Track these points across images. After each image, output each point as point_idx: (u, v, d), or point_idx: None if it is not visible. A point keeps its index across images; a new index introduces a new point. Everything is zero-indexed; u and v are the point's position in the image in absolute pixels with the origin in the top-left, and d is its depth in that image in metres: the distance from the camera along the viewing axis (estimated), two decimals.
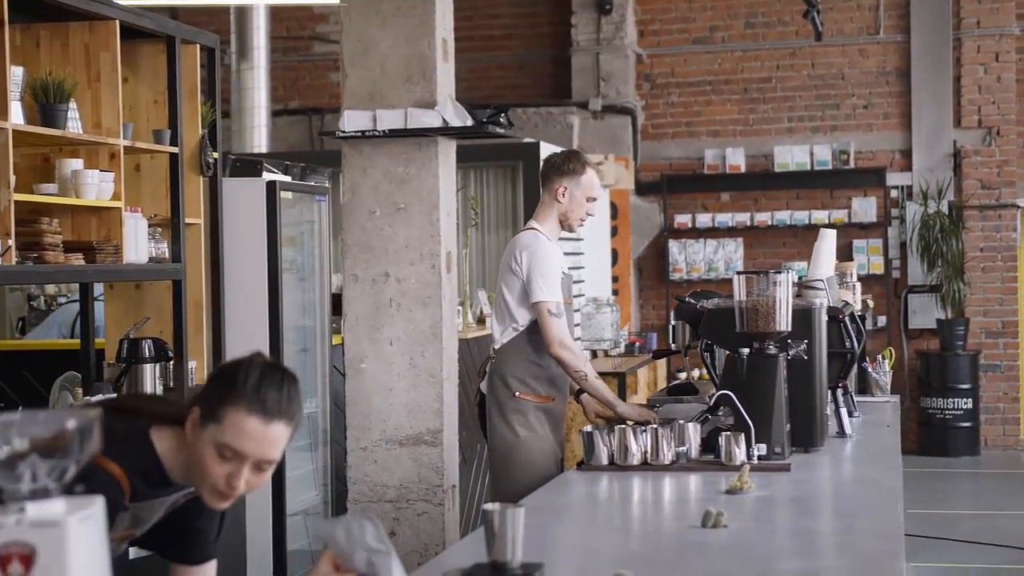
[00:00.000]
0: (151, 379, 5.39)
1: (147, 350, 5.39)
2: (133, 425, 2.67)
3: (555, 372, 5.15)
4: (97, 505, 1.79)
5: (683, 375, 10.97)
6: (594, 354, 10.14)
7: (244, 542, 5.74)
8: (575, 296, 9.92)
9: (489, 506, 2.75)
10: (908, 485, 9.69)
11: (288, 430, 2.58)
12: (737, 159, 12.69)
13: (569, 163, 5.24)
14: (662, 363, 11.02)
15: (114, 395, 5.10)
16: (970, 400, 12.08)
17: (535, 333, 5.10)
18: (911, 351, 12.53)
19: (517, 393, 5.11)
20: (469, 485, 7.34)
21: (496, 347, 5.23)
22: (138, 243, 5.26)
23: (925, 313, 12.41)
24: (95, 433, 1.81)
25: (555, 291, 5.05)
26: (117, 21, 5.17)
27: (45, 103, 4.79)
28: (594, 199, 5.26)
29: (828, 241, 5.48)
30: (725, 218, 12.68)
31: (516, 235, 5.32)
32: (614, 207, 12.26)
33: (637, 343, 10.77)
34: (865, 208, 12.47)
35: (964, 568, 8.04)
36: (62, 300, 8.51)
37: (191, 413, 2.59)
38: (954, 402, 12.06)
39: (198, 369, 5.82)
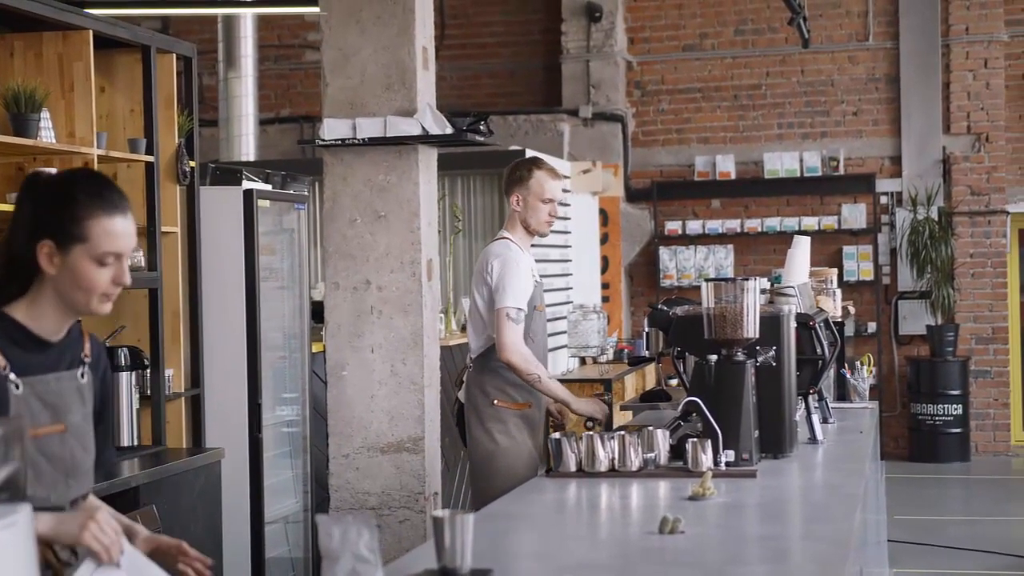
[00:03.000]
0: (127, 388, 5.40)
1: (123, 358, 5.40)
2: None
3: None
4: (23, 513, 1.80)
5: (674, 382, 10.96)
6: (582, 361, 10.15)
7: (221, 549, 5.74)
8: (562, 303, 10.00)
9: (438, 513, 2.77)
10: (897, 491, 9.77)
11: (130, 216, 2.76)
12: (727, 166, 12.71)
13: (516, 171, 5.33)
14: (651, 369, 11.02)
15: None
16: (960, 406, 12.09)
17: None
18: (901, 357, 12.54)
19: (496, 401, 5.16)
20: (451, 492, 7.35)
21: (473, 356, 5.29)
22: None
23: (915, 319, 12.42)
24: (21, 440, 1.82)
25: (518, 298, 5.13)
26: (91, 31, 5.19)
27: (17, 112, 4.81)
28: (550, 200, 5.28)
29: (801, 248, 5.50)
30: (715, 225, 12.70)
31: (487, 245, 5.38)
32: (604, 214, 12.28)
33: (626, 350, 10.77)
34: (855, 214, 12.48)
35: (949, 574, 8.04)
36: None
37: (41, 249, 2.65)
38: (944, 408, 12.06)
39: (175, 377, 5.83)
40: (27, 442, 1.85)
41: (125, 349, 5.43)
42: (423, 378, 5.55)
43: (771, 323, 4.45)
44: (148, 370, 5.56)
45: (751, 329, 4.31)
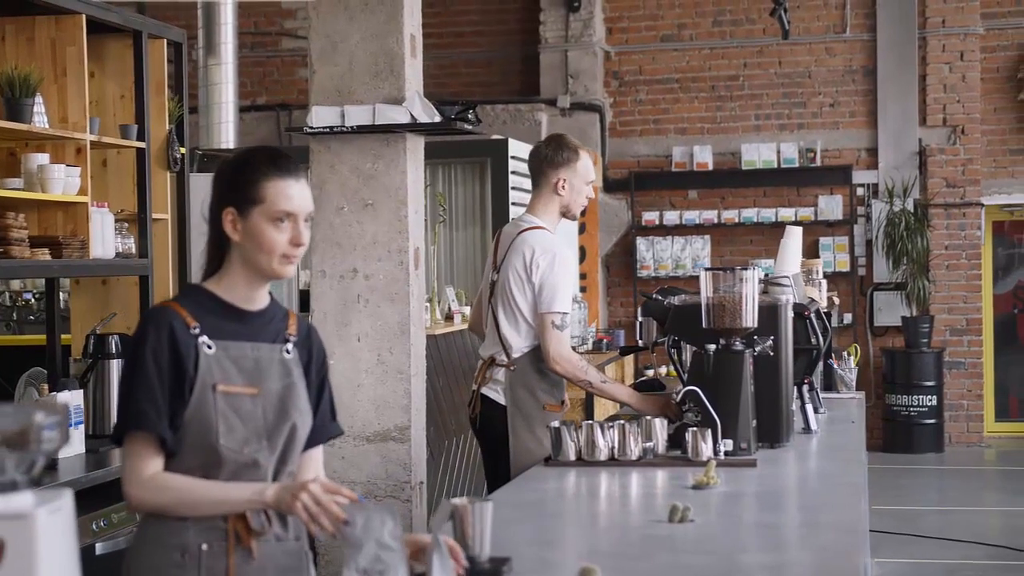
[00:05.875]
0: (118, 375, 5.36)
1: (113, 346, 5.35)
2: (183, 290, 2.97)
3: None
4: (66, 498, 1.79)
5: (650, 372, 11.01)
6: None
7: None
8: None
9: (458, 501, 2.76)
10: (872, 481, 9.79)
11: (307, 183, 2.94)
12: (705, 157, 12.74)
13: (562, 152, 4.96)
14: (629, 360, 11.05)
15: None
16: (934, 397, 12.17)
17: None
18: (876, 348, 12.61)
19: (546, 406, 4.91)
20: (437, 481, 7.34)
21: (514, 355, 4.92)
22: (105, 238, 5.24)
23: (890, 310, 12.50)
24: (62, 427, 1.81)
25: (564, 302, 4.83)
26: (84, 15, 5.14)
27: (10, 97, 4.76)
28: (592, 181, 5.05)
29: (794, 238, 5.52)
30: (693, 215, 12.73)
31: (522, 234, 4.96)
32: None
33: (605, 340, 10.81)
34: (831, 206, 12.54)
35: (926, 563, 8.10)
36: (27, 296, 8.46)
37: (226, 217, 2.83)
38: (918, 399, 12.15)
39: None
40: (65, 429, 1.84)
41: (116, 336, 5.38)
42: (410, 367, 5.54)
43: (769, 313, 4.47)
44: None
45: (750, 319, 4.33)
